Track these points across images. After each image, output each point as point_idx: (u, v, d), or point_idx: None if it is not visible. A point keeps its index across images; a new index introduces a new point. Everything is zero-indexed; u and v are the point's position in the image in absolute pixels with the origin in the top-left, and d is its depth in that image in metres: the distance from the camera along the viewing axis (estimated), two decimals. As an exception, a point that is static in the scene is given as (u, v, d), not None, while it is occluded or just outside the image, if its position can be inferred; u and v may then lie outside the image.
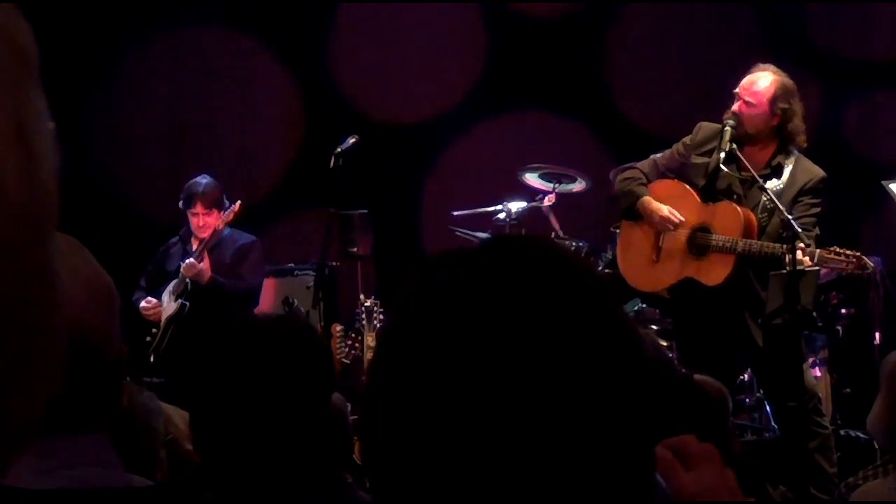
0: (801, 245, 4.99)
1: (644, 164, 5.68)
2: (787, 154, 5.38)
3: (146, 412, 2.67)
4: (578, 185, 7.04)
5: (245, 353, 2.00)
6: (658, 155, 5.79)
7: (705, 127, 5.54)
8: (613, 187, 6.70)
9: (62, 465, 1.41)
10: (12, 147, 0.59)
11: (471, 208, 7.07)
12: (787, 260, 5.02)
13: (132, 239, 7.78)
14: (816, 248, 5.08)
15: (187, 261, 6.71)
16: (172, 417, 2.83)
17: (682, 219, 5.44)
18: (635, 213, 5.59)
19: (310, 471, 2.02)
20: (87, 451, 1.45)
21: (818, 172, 5.37)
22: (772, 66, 5.44)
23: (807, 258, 4.98)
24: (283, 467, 1.95)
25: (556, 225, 6.95)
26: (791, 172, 5.34)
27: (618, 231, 5.89)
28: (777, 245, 5.13)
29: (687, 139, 5.61)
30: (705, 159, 5.47)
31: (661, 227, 5.49)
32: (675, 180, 5.57)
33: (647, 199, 5.51)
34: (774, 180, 5.32)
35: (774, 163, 5.37)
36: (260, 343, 2.02)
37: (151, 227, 8.03)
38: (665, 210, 5.46)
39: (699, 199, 5.47)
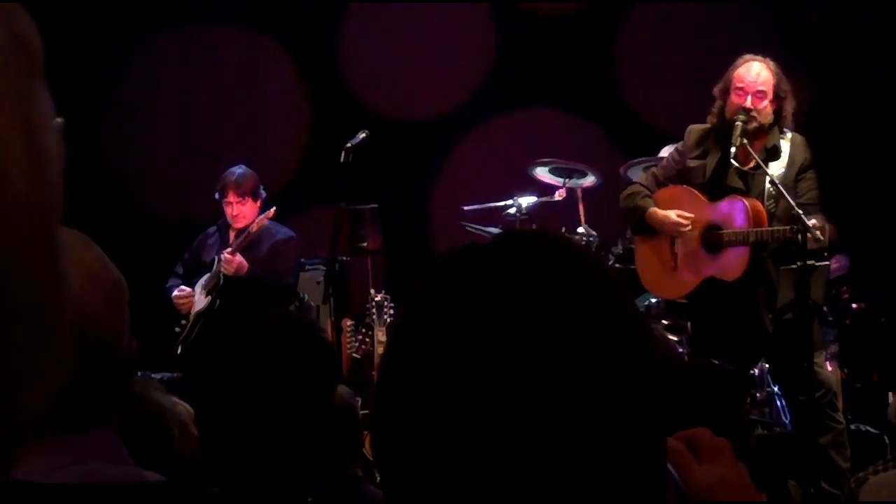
0: (813, 222, 5.01)
1: (644, 179, 5.77)
2: (782, 134, 5.43)
3: (158, 407, 2.67)
4: (589, 180, 7.05)
5: (245, 349, 2.00)
6: (655, 167, 5.86)
7: (695, 130, 5.60)
8: (622, 183, 6.72)
9: (74, 460, 1.41)
10: (19, 143, 0.59)
11: (481, 203, 7.07)
12: (799, 239, 5.03)
13: (141, 236, 7.80)
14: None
15: (224, 256, 6.63)
16: (186, 412, 2.83)
17: (691, 216, 5.46)
18: (646, 228, 5.63)
19: (317, 466, 2.02)
20: (99, 446, 1.45)
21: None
22: (750, 55, 5.50)
23: (818, 232, 4.99)
24: (288, 462, 1.95)
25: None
26: (790, 154, 5.39)
27: (633, 247, 5.93)
28: (788, 227, 5.15)
29: (679, 145, 5.70)
30: (701, 161, 5.55)
31: (674, 232, 5.52)
32: (678, 185, 5.61)
33: (654, 209, 5.57)
34: (774, 164, 5.36)
35: (770, 146, 5.40)
36: (260, 339, 2.02)
37: (160, 223, 8.05)
38: (673, 215, 5.50)
39: (705, 199, 5.50)
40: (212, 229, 7.00)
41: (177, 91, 8.77)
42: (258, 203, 6.77)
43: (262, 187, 6.81)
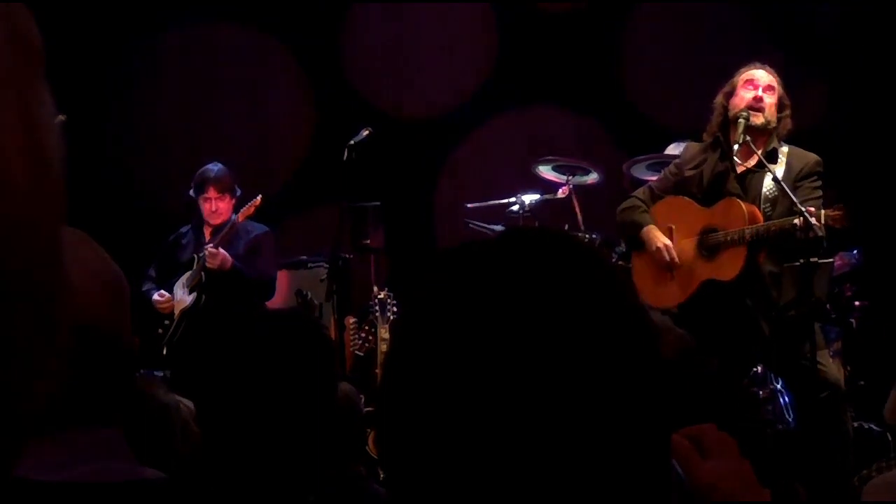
0: (811, 209, 5.05)
1: (641, 192, 5.83)
2: (779, 143, 5.47)
3: (160, 405, 2.68)
4: (592, 178, 7.05)
5: (245, 346, 2.00)
6: (652, 181, 5.94)
7: (691, 146, 5.72)
8: (625, 181, 6.73)
9: (76, 457, 1.41)
10: (20, 139, 0.59)
11: (484, 201, 7.08)
12: (797, 230, 5.05)
13: (144, 234, 7.80)
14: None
15: (209, 250, 6.65)
16: (188, 410, 2.83)
17: (677, 262, 5.51)
18: (640, 243, 5.67)
19: (320, 464, 2.02)
20: (101, 443, 1.45)
21: (812, 156, 5.50)
22: (757, 63, 5.56)
23: (813, 219, 5.02)
24: (290, 461, 1.95)
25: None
26: (787, 161, 5.44)
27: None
28: (785, 219, 5.18)
29: (676, 160, 5.79)
30: (697, 170, 5.61)
31: (658, 258, 5.55)
32: (673, 196, 5.65)
33: (650, 227, 5.64)
34: (773, 167, 5.40)
35: (769, 148, 5.44)
36: (260, 336, 2.02)
37: (163, 221, 8.05)
38: (666, 241, 5.55)
39: (700, 205, 5.54)
40: (184, 229, 7.04)
41: (179, 90, 8.78)
42: (234, 200, 6.82)
43: (237, 186, 6.87)
